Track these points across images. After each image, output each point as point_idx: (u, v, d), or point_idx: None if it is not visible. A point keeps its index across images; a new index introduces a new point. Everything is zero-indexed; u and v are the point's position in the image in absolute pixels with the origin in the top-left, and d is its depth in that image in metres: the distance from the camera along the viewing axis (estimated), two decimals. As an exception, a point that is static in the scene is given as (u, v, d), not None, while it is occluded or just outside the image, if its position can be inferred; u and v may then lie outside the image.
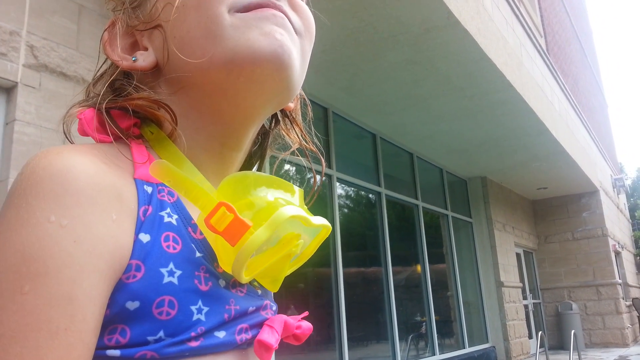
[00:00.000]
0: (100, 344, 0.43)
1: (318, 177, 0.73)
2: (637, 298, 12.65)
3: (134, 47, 0.59)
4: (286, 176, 5.34)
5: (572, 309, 10.77)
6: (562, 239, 11.58)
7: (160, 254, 0.47)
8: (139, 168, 0.51)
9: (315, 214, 0.55)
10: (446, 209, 8.93)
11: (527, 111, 6.64)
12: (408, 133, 7.32)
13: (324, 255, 5.78)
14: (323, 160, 0.70)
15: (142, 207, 0.48)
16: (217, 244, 0.50)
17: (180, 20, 0.54)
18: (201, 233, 0.51)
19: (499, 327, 9.17)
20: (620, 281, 11.51)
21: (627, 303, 12.10)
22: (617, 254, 12.39)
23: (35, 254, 0.41)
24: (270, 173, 0.61)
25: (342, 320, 5.60)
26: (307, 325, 0.60)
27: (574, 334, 8.83)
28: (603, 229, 11.26)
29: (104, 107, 0.53)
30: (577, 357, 8.58)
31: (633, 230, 18.07)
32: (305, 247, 0.56)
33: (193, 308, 0.47)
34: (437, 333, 7.57)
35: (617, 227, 13.38)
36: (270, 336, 0.53)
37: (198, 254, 0.50)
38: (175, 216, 0.50)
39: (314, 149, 0.72)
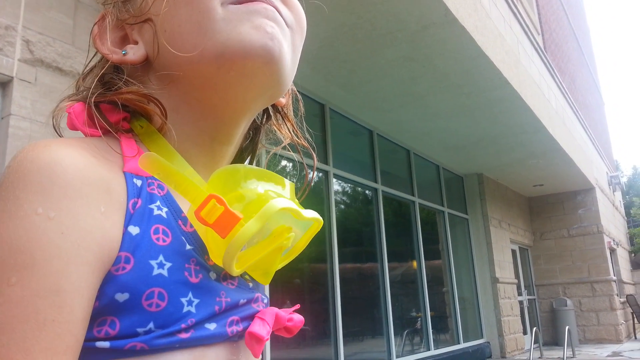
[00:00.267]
0: (89, 336, 0.44)
1: (310, 171, 0.73)
2: (631, 295, 12.72)
3: (124, 40, 0.59)
4: (283, 172, 5.35)
5: (566, 305, 10.83)
6: (557, 235, 11.63)
7: (149, 246, 0.47)
8: (129, 161, 0.51)
9: (312, 210, 0.55)
10: (442, 206, 8.95)
11: (524, 108, 6.65)
12: (405, 130, 7.33)
13: (320, 251, 5.79)
14: (314, 155, 0.71)
15: (132, 199, 0.48)
16: (208, 236, 0.50)
17: (170, 14, 0.54)
18: (191, 226, 0.51)
19: (493, 323, 9.22)
20: (614, 278, 11.57)
21: (622, 300, 12.17)
22: (612, 251, 12.46)
23: (22, 246, 0.41)
24: (264, 167, 0.61)
25: (338, 315, 5.62)
26: (298, 317, 0.61)
27: (568, 330, 8.89)
28: (598, 226, 11.31)
29: (92, 101, 0.53)
30: (571, 353, 8.66)
31: (628, 227, 18.16)
32: (296, 241, 0.56)
33: (183, 300, 0.47)
34: (432, 328, 7.61)
35: (612, 224, 13.44)
36: (262, 328, 0.53)
37: (188, 247, 0.50)
38: (165, 209, 0.50)
39: (305, 144, 0.72)
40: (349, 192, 6.98)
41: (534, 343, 8.83)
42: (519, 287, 10.68)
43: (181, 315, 0.47)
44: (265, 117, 0.71)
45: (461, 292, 8.94)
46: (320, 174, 6.01)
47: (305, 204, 0.58)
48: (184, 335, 0.47)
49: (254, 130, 0.71)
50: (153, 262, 0.46)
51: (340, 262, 5.85)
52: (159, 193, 0.51)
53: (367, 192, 7.07)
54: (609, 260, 11.35)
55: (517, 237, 10.88)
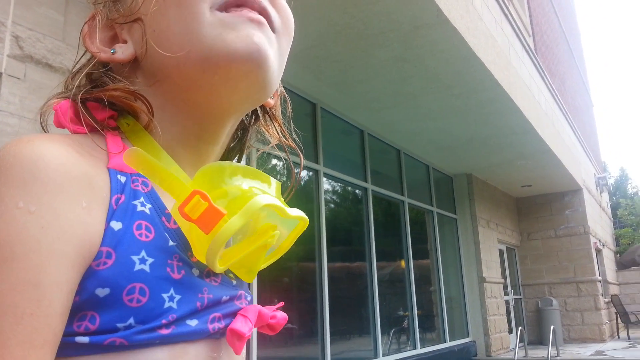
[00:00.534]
0: (69, 331, 0.44)
1: (297, 170, 0.73)
2: (615, 295, 12.90)
3: (113, 40, 0.59)
4: (273, 170, 5.35)
5: (552, 305, 10.96)
6: (544, 236, 11.76)
7: (132, 242, 0.47)
8: (113, 158, 0.51)
9: (301, 209, 0.56)
10: (431, 205, 9.01)
11: (514, 110, 6.71)
12: (396, 130, 7.36)
13: (309, 249, 5.81)
14: (302, 155, 0.70)
15: (115, 195, 0.48)
16: (191, 232, 0.50)
17: (160, 14, 0.55)
18: (175, 223, 0.51)
19: (479, 322, 9.31)
20: (600, 278, 11.73)
21: (606, 300, 12.34)
22: (598, 251, 12.62)
23: (2, 240, 0.41)
24: (253, 166, 0.62)
25: (325, 314, 5.64)
26: (282, 315, 0.60)
27: (553, 329, 9.00)
28: (585, 227, 11.45)
29: (79, 98, 0.54)
30: (556, 352, 8.77)
31: (614, 228, 18.39)
32: (282, 240, 0.56)
33: (164, 296, 0.47)
34: (419, 327, 7.67)
35: (598, 225, 13.61)
36: (244, 325, 0.53)
37: (171, 243, 0.50)
38: (149, 205, 0.50)
39: (293, 145, 0.72)
40: (339, 191, 6.99)
41: (519, 342, 8.94)
42: (505, 287, 10.78)
43: (162, 311, 0.47)
44: (253, 117, 0.71)
45: (448, 291, 9.01)
46: (311, 173, 6.02)
47: (295, 203, 0.58)
48: (164, 331, 0.46)
49: (242, 130, 0.71)
50: (135, 258, 0.46)
51: (329, 261, 5.87)
52: (143, 190, 0.51)
53: (357, 191, 7.09)
54: (594, 261, 11.50)
55: (504, 237, 10.98)
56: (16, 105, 2.34)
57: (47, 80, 2.47)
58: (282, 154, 0.71)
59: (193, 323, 0.49)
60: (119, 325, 0.44)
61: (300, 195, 5.99)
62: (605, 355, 8.79)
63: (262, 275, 4.99)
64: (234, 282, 0.58)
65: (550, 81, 10.32)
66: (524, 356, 8.89)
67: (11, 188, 0.43)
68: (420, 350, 7.53)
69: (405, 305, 7.69)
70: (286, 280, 5.59)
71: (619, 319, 12.22)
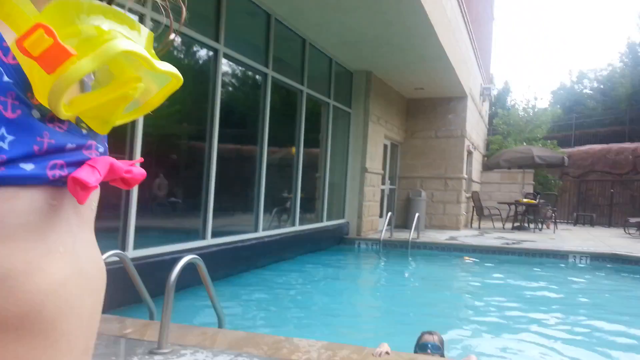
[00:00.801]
0: None
1: (175, 25, 0.64)
2: (476, 192, 14.73)
3: None
4: (172, 49, 5.24)
5: (420, 196, 12.34)
6: (426, 135, 12.83)
7: None
8: None
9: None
10: (329, 98, 9.37)
11: (421, 14, 6.92)
12: (304, 18, 7.34)
13: (200, 129, 5.97)
14: (184, 8, 0.60)
15: None
16: (33, 71, 0.45)
17: None
18: (14, 58, 0.46)
19: (356, 207, 10.34)
20: (466, 176, 13.28)
21: (467, 195, 14.11)
22: (469, 153, 14.10)
23: None
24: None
25: (211, 190, 5.99)
26: (138, 170, 0.57)
27: (418, 216, 10.29)
28: (462, 131, 12.63)
29: None
30: (417, 235, 10.12)
31: (488, 134, 20.33)
32: (150, 96, 0.54)
33: None
34: (300, 208, 8.40)
35: (475, 130, 15.02)
36: (89, 175, 0.50)
37: (6, 79, 0.45)
38: None
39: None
40: (238, 74, 7.03)
41: (387, 225, 10.15)
42: (384, 178, 11.88)
43: None
44: None
45: (332, 178, 9.77)
46: (210, 52, 5.97)
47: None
48: None
49: None
50: None
51: (220, 141, 6.09)
52: None
53: (256, 76, 7.18)
54: (464, 161, 12.90)
55: (391, 133, 11.83)
56: None
57: None
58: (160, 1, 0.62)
59: (28, 167, 0.47)
60: None
61: (197, 73, 5.98)
62: (457, 240, 10.27)
63: (149, 149, 5.12)
64: (85, 131, 0.56)
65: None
66: (390, 237, 10.14)
67: None
68: (298, 228, 8.35)
69: (290, 188, 8.31)
70: (174, 156, 5.78)
71: (475, 212, 14.14)
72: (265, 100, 7.19)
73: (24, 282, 0.47)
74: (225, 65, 6.35)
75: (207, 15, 5.97)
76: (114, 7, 0.49)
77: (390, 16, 7.06)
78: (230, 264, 6.30)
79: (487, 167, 15.92)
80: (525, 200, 13.71)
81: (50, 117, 0.48)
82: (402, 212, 12.66)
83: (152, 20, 4.50)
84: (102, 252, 3.30)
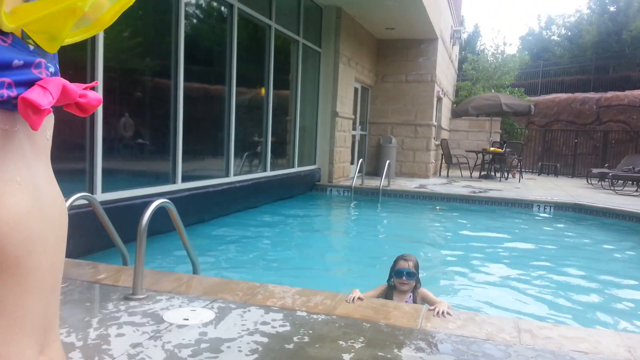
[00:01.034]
0: None
1: None
2: (445, 139, 14.69)
3: None
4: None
5: (391, 143, 12.21)
6: (396, 79, 12.54)
7: None
8: None
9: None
10: (298, 35, 8.88)
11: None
12: (270, -55, 6.76)
13: (164, 65, 5.49)
14: None
15: None
16: None
17: None
18: None
19: (327, 152, 10.11)
20: (435, 124, 13.17)
21: (437, 143, 14.06)
22: (439, 99, 13.94)
23: None
24: None
25: (179, 132, 5.61)
26: (94, 95, 0.54)
27: (389, 163, 10.17)
28: (432, 76, 12.40)
29: None
30: (387, 182, 10.02)
31: (457, 80, 20.23)
32: (102, 13, 0.51)
33: None
34: (271, 153, 8.09)
35: (444, 75, 14.82)
36: (41, 97, 0.47)
37: None
38: None
39: None
40: (203, 5, 6.47)
41: (358, 172, 10.00)
42: (354, 123, 11.62)
43: None
44: None
45: (303, 122, 9.44)
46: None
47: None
48: None
49: None
50: None
51: (185, 79, 5.65)
52: None
53: (222, 8, 6.63)
54: (434, 108, 12.75)
55: (362, 76, 11.48)
56: None
57: None
58: None
59: None
60: None
61: (159, 4, 5.43)
62: (426, 188, 10.27)
63: (111, 85, 4.68)
64: (32, 47, 0.51)
65: None
66: (361, 184, 10.03)
67: None
68: (269, 173, 8.06)
69: (261, 132, 7.95)
70: (138, 94, 5.31)
71: (444, 160, 14.14)
72: (232, 35, 6.69)
73: None
74: (187, -5, 5.79)
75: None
76: None
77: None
78: (201, 210, 6.00)
79: (455, 114, 15.84)
80: (492, 149, 13.77)
81: None
82: (373, 159, 12.52)
83: None
84: (69, 196, 2.99)
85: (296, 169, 9.17)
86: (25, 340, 0.52)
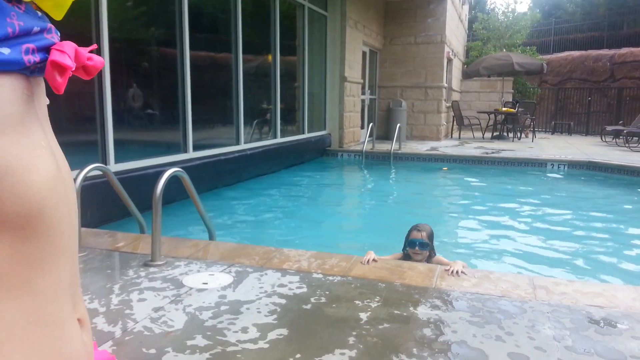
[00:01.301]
0: None
1: None
2: (456, 101, 14.48)
3: None
4: None
5: (401, 106, 12.07)
6: (405, 42, 12.30)
7: None
8: None
9: None
10: (304, -1, 8.70)
11: None
12: None
13: (169, 34, 5.43)
14: None
15: None
16: None
17: None
18: None
19: (336, 117, 10.04)
20: (446, 85, 12.97)
21: (447, 105, 13.88)
22: (449, 61, 13.68)
23: None
24: None
25: (187, 102, 5.59)
26: (98, 58, 0.57)
27: (399, 127, 10.09)
28: (442, 36, 12.13)
29: None
30: (398, 146, 9.97)
31: (467, 40, 19.78)
32: None
33: None
34: (280, 120, 8.05)
35: (454, 35, 14.49)
36: (64, 58, 0.50)
37: None
38: None
39: None
40: (205, -30, 6.34)
41: (369, 136, 9.94)
42: (363, 87, 11.48)
43: None
44: None
45: (311, 87, 9.35)
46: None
47: None
48: None
49: None
50: None
51: (191, 48, 5.60)
52: None
53: (225, -27, 6.49)
54: (444, 69, 12.52)
55: (369, 39, 11.27)
56: None
57: None
58: None
59: (6, 51, 0.45)
60: None
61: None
62: (437, 151, 10.20)
63: (118, 56, 4.65)
64: (39, 13, 0.53)
65: None
66: (372, 149, 9.99)
67: None
68: (279, 140, 8.04)
69: (269, 99, 7.89)
70: (145, 64, 5.28)
71: (455, 122, 13.98)
72: (237, 1, 6.57)
73: (22, 179, 0.44)
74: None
75: None
76: None
77: None
78: (214, 178, 6.04)
79: (466, 75, 15.55)
80: (504, 109, 13.56)
81: None
82: (383, 123, 12.42)
83: None
84: (83, 167, 3.02)
85: (306, 135, 9.14)
86: (63, 299, 0.55)
